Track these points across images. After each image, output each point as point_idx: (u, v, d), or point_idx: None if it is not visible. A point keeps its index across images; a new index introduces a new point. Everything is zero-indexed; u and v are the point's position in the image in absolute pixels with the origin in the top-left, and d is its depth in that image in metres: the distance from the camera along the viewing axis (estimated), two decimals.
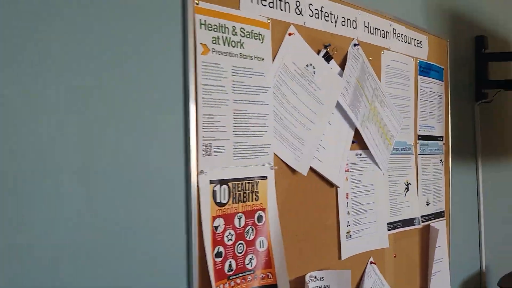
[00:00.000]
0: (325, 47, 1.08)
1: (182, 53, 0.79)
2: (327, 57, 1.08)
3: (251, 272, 0.91)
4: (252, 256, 0.91)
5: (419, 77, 1.46)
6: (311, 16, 1.05)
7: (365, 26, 1.22)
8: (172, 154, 0.78)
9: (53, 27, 0.63)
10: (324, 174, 1.08)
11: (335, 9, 1.12)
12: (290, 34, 0.99)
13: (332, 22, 1.11)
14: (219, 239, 0.85)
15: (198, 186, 0.81)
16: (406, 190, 1.40)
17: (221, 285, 0.85)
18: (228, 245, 0.86)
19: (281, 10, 0.98)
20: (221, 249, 0.85)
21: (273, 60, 0.95)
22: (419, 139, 1.46)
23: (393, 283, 1.32)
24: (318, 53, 1.07)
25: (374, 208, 1.26)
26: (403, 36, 1.38)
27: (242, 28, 0.89)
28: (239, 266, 0.88)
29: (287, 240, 0.98)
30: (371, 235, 1.25)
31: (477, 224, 1.90)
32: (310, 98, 1.03)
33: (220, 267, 0.85)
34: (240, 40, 0.89)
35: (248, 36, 0.90)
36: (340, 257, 1.13)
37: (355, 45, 1.18)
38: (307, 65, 1.03)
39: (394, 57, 1.34)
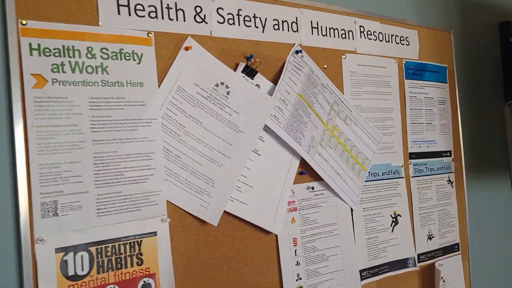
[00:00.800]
0: (247, 59, 0.87)
1: (5, 90, 0.63)
2: (249, 72, 0.86)
3: None
4: None
5: (406, 81, 1.18)
6: (222, 23, 0.84)
7: (312, 27, 0.98)
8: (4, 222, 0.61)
9: None
10: (251, 220, 0.85)
11: (262, 10, 0.89)
12: (187, 49, 0.79)
13: (257, 27, 0.89)
14: None
15: (34, 258, 0.63)
16: (393, 223, 1.13)
17: None
18: None
19: (170, 19, 0.77)
20: None
21: (160, 84, 0.76)
22: (411, 158, 1.19)
23: None
24: (236, 68, 0.86)
25: (340, 254, 1.00)
26: (376, 34, 1.11)
27: (103, 48, 0.70)
28: None
29: None
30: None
31: None
32: (223, 126, 0.82)
33: None
34: (102, 63, 0.70)
35: (114, 57, 0.71)
36: None
37: (297, 52, 0.95)
38: (216, 85, 0.82)
39: (362, 61, 1.07)
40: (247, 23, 0.88)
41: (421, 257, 1.18)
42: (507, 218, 1.52)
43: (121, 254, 0.70)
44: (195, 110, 0.79)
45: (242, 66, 0.86)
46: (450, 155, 1.29)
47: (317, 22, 0.99)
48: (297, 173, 0.93)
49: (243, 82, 0.85)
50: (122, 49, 0.72)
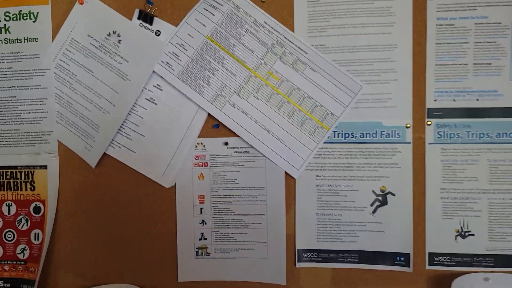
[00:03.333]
0: (149, 4, 0.83)
1: None
2: (146, 18, 0.82)
3: (22, 263, 0.87)
4: (25, 247, 0.87)
5: (431, 2, 0.79)
6: None
7: None
8: None
9: None
10: (136, 168, 0.84)
11: None
12: (81, 3, 0.84)
13: None
14: None
15: None
16: (377, 203, 0.82)
17: None
18: None
19: None
20: None
21: (54, 38, 0.85)
22: (434, 116, 0.80)
23: None
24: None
25: (265, 223, 0.83)
26: None
27: (6, 12, 0.85)
28: (7, 254, 0.88)
29: (82, 240, 0.87)
30: (258, 261, 0.84)
31: None
32: (112, 74, 0.83)
33: None
34: (5, 25, 0.85)
35: (14, 19, 0.85)
36: (177, 278, 0.85)
37: None
38: (108, 34, 0.83)
39: None
40: None
41: (437, 259, 0.82)
42: None
43: (18, 179, 0.88)
44: (87, 60, 0.85)
45: (136, 12, 0.83)
46: None
47: None
48: (210, 125, 0.84)
49: (137, 30, 0.83)
50: (21, 10, 0.86)
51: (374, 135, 0.83)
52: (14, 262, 0.88)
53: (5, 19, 0.86)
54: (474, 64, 0.80)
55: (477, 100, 0.81)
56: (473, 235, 0.82)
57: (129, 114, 0.84)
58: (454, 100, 0.81)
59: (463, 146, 0.81)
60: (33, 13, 0.86)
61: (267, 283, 0.85)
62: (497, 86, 0.80)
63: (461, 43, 0.80)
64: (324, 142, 0.83)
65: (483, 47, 0.79)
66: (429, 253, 0.83)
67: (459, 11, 0.79)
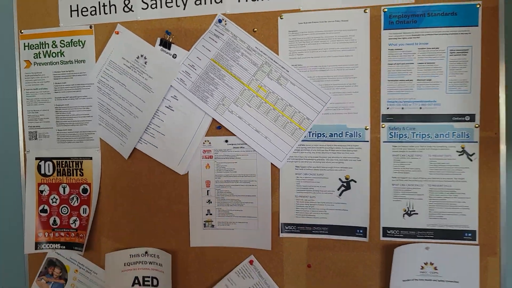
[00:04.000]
0: (167, 34, 1.08)
1: (13, 70, 1.16)
2: (165, 44, 1.07)
3: (74, 230, 1.15)
4: (76, 218, 1.15)
5: (385, 32, 1.01)
6: (145, 9, 1.09)
7: None
8: (11, 140, 1.17)
9: None
10: (158, 159, 1.10)
11: None
12: (117, 33, 1.10)
13: (179, 6, 1.08)
14: (44, 200, 1.16)
15: (25, 161, 1.16)
16: (343, 188, 1.05)
17: (46, 233, 1.16)
18: (53, 205, 1.16)
19: (105, 13, 1.11)
20: (46, 207, 1.16)
21: (97, 60, 1.11)
22: (387, 121, 1.03)
23: None
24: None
25: (255, 202, 1.08)
26: None
27: (62, 40, 1.13)
28: (63, 223, 1.16)
29: (120, 215, 1.14)
30: (249, 232, 1.09)
31: None
32: (140, 88, 1.09)
33: (45, 220, 1.17)
34: (61, 50, 1.13)
35: (68, 45, 1.13)
36: (189, 244, 1.11)
37: (219, 21, 1.06)
38: (137, 57, 1.09)
39: (307, 19, 1.03)
40: (168, 4, 1.09)
41: (389, 232, 1.04)
42: None
43: (70, 167, 1.15)
44: (121, 76, 1.11)
45: (158, 40, 1.09)
46: (473, 120, 1.00)
47: None
48: (214, 127, 1.09)
49: (159, 53, 1.09)
50: (72, 39, 1.13)
51: (340, 135, 1.06)
52: (68, 230, 1.17)
53: (60, 46, 1.14)
54: (418, 80, 1.02)
55: (420, 108, 1.02)
56: (417, 213, 1.04)
57: (153, 118, 1.11)
58: (402, 108, 1.03)
59: (409, 144, 1.03)
60: (81, 41, 1.13)
61: (257, 248, 1.10)
62: (436, 97, 1.01)
63: (408, 63, 1.02)
64: (302, 140, 1.07)
65: (424, 67, 1.01)
66: (383, 227, 1.06)
67: (406, 38, 1.01)
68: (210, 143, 1.11)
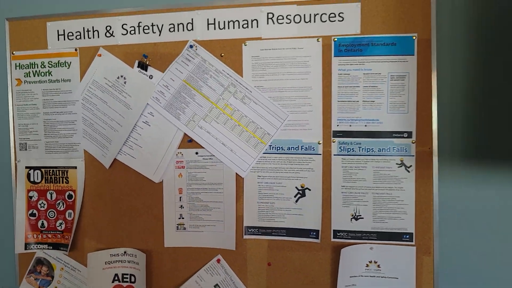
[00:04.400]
0: (144, 57, 1.21)
1: (5, 88, 1.29)
2: (142, 66, 1.21)
3: (60, 232, 1.28)
4: (62, 222, 1.28)
5: (335, 59, 1.15)
6: (125, 35, 1.22)
7: (208, 24, 1.19)
8: (3, 151, 1.30)
9: None
10: (136, 169, 1.24)
11: (158, 19, 1.21)
12: (99, 55, 1.23)
13: (155, 32, 1.21)
14: (33, 205, 1.29)
15: (16, 169, 1.29)
16: (299, 195, 1.19)
17: (35, 235, 1.29)
18: (41, 210, 1.29)
19: (89, 38, 1.24)
20: (35, 211, 1.29)
21: (81, 79, 1.24)
22: (337, 136, 1.17)
23: None
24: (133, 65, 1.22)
25: (222, 208, 1.22)
26: (290, 17, 1.16)
27: (50, 61, 1.26)
28: (50, 226, 1.29)
29: (101, 218, 1.27)
30: (217, 234, 1.22)
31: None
32: (120, 105, 1.23)
33: (34, 223, 1.29)
34: (49, 70, 1.26)
35: (55, 66, 1.26)
36: (163, 244, 1.24)
37: (191, 46, 1.20)
38: (118, 77, 1.23)
39: (268, 46, 1.17)
40: (146, 31, 1.22)
41: (338, 234, 1.19)
42: (489, 217, 1.16)
43: (57, 175, 1.28)
44: (103, 94, 1.24)
45: (136, 63, 1.22)
46: (410, 137, 1.14)
47: (214, 19, 1.19)
48: (186, 140, 1.22)
49: (136, 74, 1.22)
50: (59, 60, 1.26)
51: (297, 148, 1.20)
52: (55, 232, 1.30)
53: (48, 66, 1.27)
54: (363, 101, 1.16)
55: (365, 125, 1.17)
56: (362, 218, 1.19)
57: (131, 132, 1.24)
58: (350, 126, 1.18)
59: (356, 157, 1.18)
60: (67, 62, 1.26)
61: (224, 249, 1.24)
62: (379, 116, 1.16)
63: (354, 87, 1.16)
64: (263, 153, 1.21)
65: (369, 90, 1.16)
66: (333, 230, 1.20)
67: (353, 65, 1.16)
68: (182, 154, 1.25)
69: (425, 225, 1.16)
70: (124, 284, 1.25)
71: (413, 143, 1.15)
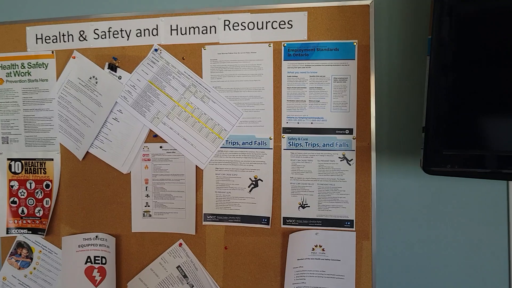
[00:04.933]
0: (114, 59, 1.34)
1: None
2: (112, 68, 1.33)
3: (38, 218, 1.41)
4: (40, 209, 1.41)
5: (285, 62, 1.28)
6: (96, 39, 1.35)
7: (172, 30, 1.31)
8: None
9: None
10: (107, 161, 1.37)
11: (126, 25, 1.33)
12: (73, 57, 1.36)
13: (123, 37, 1.34)
14: (14, 193, 1.42)
15: None
16: (252, 186, 1.32)
17: (16, 220, 1.42)
18: (21, 198, 1.42)
19: (65, 41, 1.36)
20: (16, 199, 1.42)
21: (57, 79, 1.37)
22: (286, 133, 1.29)
23: (222, 273, 1.34)
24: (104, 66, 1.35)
25: (184, 196, 1.34)
26: (245, 25, 1.28)
27: (29, 62, 1.39)
28: (30, 212, 1.42)
29: (75, 205, 1.40)
30: (179, 220, 1.35)
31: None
32: (92, 103, 1.36)
33: (15, 209, 1.43)
34: (28, 70, 1.39)
35: (34, 66, 1.38)
36: (131, 229, 1.37)
37: (155, 50, 1.32)
38: (90, 78, 1.35)
39: (224, 50, 1.29)
40: (115, 35, 1.35)
41: (287, 220, 1.31)
42: (421, 206, 1.30)
43: (36, 166, 1.41)
44: (77, 93, 1.37)
45: (106, 64, 1.35)
46: (351, 133, 1.27)
47: (177, 25, 1.32)
48: (151, 135, 1.35)
49: (107, 75, 1.35)
50: (37, 62, 1.39)
51: (250, 143, 1.33)
52: (33, 218, 1.43)
53: (28, 67, 1.39)
54: (310, 101, 1.28)
55: (312, 123, 1.29)
56: (309, 206, 1.31)
57: (102, 127, 1.37)
58: (298, 123, 1.30)
59: (303, 151, 1.30)
60: (44, 64, 1.39)
61: (185, 233, 1.37)
62: (323, 114, 1.28)
63: (302, 87, 1.28)
64: (220, 147, 1.34)
65: (314, 90, 1.28)
66: (283, 217, 1.33)
67: (300, 68, 1.28)
68: (148, 148, 1.37)
69: (364, 212, 1.28)
70: (96, 265, 1.38)
71: (353, 139, 1.28)
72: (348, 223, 1.30)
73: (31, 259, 1.44)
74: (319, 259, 1.31)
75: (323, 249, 1.30)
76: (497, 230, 1.28)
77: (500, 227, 1.28)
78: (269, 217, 1.33)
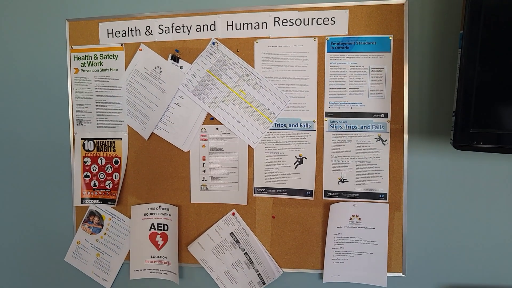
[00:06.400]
0: (176, 51, 1.52)
1: (65, 75, 1.61)
2: (175, 59, 1.52)
3: (108, 190, 1.62)
4: (110, 182, 1.61)
5: (328, 54, 1.45)
6: (161, 33, 1.54)
7: (228, 25, 1.50)
8: (64, 125, 1.63)
9: None
10: (169, 140, 1.57)
11: (187, 21, 1.52)
12: (140, 50, 1.55)
13: (184, 32, 1.52)
14: (87, 168, 1.62)
15: (74, 140, 1.62)
16: (297, 163, 1.51)
17: (89, 192, 1.63)
18: (93, 172, 1.62)
19: (133, 36, 1.55)
20: (89, 174, 1.63)
21: (126, 68, 1.56)
22: (328, 116, 1.47)
23: (269, 239, 1.54)
24: (167, 58, 1.53)
25: (237, 172, 1.53)
26: (293, 21, 1.46)
27: (101, 54, 1.58)
28: (100, 185, 1.62)
29: (141, 179, 1.60)
30: (232, 192, 1.55)
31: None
32: (156, 90, 1.55)
33: (88, 182, 1.63)
34: (100, 61, 1.58)
35: (105, 57, 1.58)
36: (190, 200, 1.57)
37: (213, 43, 1.51)
38: (155, 68, 1.54)
39: (275, 43, 1.47)
40: (177, 30, 1.53)
41: (328, 193, 1.50)
42: (447, 181, 1.47)
43: (106, 145, 1.61)
44: (143, 81, 1.56)
45: (170, 56, 1.53)
46: (386, 117, 1.44)
47: (232, 21, 1.50)
48: (209, 118, 1.54)
49: (170, 65, 1.54)
50: (108, 53, 1.58)
51: (296, 125, 1.51)
52: (104, 190, 1.63)
53: (100, 58, 1.59)
54: (350, 88, 1.46)
55: (351, 108, 1.47)
56: (347, 181, 1.49)
57: (166, 111, 1.56)
58: (339, 108, 1.48)
59: (343, 132, 1.48)
60: (114, 55, 1.58)
61: (237, 204, 1.56)
62: (361, 100, 1.46)
63: (342, 77, 1.46)
64: (270, 129, 1.52)
65: (354, 79, 1.45)
66: (324, 190, 1.51)
67: (341, 59, 1.46)
68: (205, 129, 1.56)
69: (397, 186, 1.46)
70: (159, 232, 1.59)
71: (388, 122, 1.45)
72: (382, 195, 1.48)
73: (102, 225, 1.65)
74: (356, 227, 1.49)
75: (359, 219, 1.49)
76: None
77: None
78: (312, 190, 1.52)
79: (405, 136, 1.45)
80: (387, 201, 1.48)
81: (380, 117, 1.46)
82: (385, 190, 1.48)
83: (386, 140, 1.46)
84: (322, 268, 1.52)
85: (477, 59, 1.15)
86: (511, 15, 1.11)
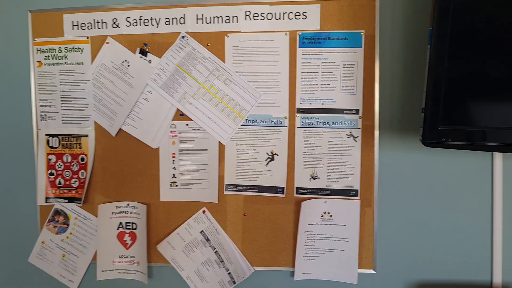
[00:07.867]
0: (144, 45, 1.48)
1: (28, 68, 1.55)
2: (143, 53, 1.48)
3: (74, 188, 1.57)
4: (76, 180, 1.56)
5: (300, 49, 1.44)
6: (128, 26, 1.49)
7: (198, 19, 1.46)
8: (26, 121, 1.57)
9: None
10: (137, 137, 1.53)
11: (156, 14, 1.48)
12: (107, 43, 1.50)
13: (153, 25, 1.48)
14: (52, 166, 1.57)
15: (37, 136, 1.56)
16: (269, 159, 1.49)
17: (54, 190, 1.57)
18: (59, 170, 1.57)
19: (99, 28, 1.50)
20: (53, 171, 1.57)
21: (92, 62, 1.51)
22: (300, 112, 1.46)
23: (240, 237, 1.52)
24: (135, 51, 1.49)
25: (207, 169, 1.51)
26: (264, 15, 1.43)
27: (65, 47, 1.52)
28: (66, 183, 1.57)
29: (108, 177, 1.56)
30: (203, 190, 1.52)
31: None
32: (124, 84, 1.50)
33: (53, 180, 1.58)
34: (65, 54, 1.52)
35: (70, 51, 1.52)
36: (159, 198, 1.54)
37: (183, 37, 1.47)
38: (122, 62, 1.50)
39: (245, 38, 1.45)
40: (146, 23, 1.49)
41: (300, 191, 1.49)
42: (418, 177, 1.48)
43: (72, 142, 1.56)
44: (110, 75, 1.52)
45: (138, 50, 1.49)
46: (357, 113, 1.44)
47: (202, 15, 1.47)
48: (178, 114, 1.50)
49: (138, 59, 1.49)
50: (74, 46, 1.52)
51: (268, 122, 1.49)
52: (70, 188, 1.58)
53: (65, 51, 1.53)
54: (321, 84, 1.45)
55: (323, 104, 1.46)
56: (319, 177, 1.48)
57: (134, 106, 1.52)
58: (310, 104, 1.46)
59: (315, 129, 1.47)
60: (80, 48, 1.53)
61: (208, 202, 1.53)
62: (333, 96, 1.45)
63: (314, 72, 1.45)
64: (241, 125, 1.50)
65: (325, 75, 1.44)
66: (296, 187, 1.50)
67: (313, 55, 1.44)
68: (175, 125, 1.53)
69: (368, 183, 1.46)
70: (127, 230, 1.55)
71: (359, 118, 1.45)
72: (353, 192, 1.48)
73: (68, 225, 1.59)
74: (327, 224, 1.49)
75: (331, 216, 1.48)
76: (482, 194, 1.47)
77: (485, 191, 1.47)
78: (283, 187, 1.50)
79: (376, 133, 1.44)
80: (358, 197, 1.47)
81: (352, 113, 1.45)
82: (356, 186, 1.47)
83: (357, 136, 1.45)
84: (294, 266, 1.51)
85: (446, 56, 1.15)
86: (480, 11, 1.11)
